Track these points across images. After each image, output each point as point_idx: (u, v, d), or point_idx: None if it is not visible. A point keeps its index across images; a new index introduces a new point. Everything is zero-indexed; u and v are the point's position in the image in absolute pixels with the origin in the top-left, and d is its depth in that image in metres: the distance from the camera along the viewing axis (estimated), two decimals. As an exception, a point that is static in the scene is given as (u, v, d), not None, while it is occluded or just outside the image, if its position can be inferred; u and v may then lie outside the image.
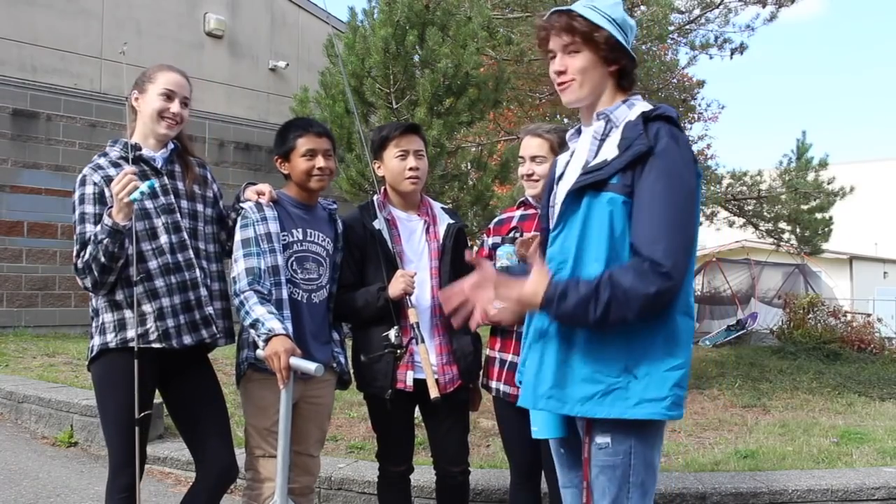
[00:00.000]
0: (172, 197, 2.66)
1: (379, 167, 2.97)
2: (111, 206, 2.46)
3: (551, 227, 2.10)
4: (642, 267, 1.83)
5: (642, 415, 1.91)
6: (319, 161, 2.78)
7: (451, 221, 3.00)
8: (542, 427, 2.19)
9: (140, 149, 2.65)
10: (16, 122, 9.52)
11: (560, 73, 2.06)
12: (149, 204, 2.59)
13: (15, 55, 9.62)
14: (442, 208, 3.09)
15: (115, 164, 2.61)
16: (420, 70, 5.86)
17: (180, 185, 2.71)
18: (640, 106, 2.04)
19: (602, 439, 1.95)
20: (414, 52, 5.79)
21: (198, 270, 2.65)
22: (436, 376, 2.82)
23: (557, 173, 2.19)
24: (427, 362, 2.75)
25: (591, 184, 1.93)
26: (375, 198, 2.98)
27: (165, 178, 2.67)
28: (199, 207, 2.75)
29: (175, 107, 2.66)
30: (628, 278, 1.83)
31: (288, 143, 2.81)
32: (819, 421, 5.81)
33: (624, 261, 1.89)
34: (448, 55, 5.57)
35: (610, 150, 1.96)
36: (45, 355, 7.17)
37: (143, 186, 2.41)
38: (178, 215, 2.65)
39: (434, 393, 2.71)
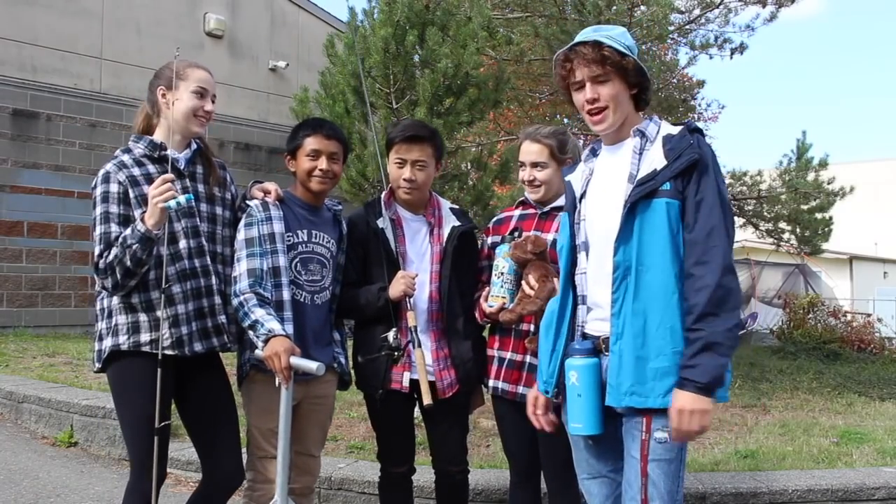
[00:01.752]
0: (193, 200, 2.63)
1: (389, 164, 2.96)
2: (144, 211, 2.42)
3: (584, 241, 2.32)
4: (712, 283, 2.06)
5: (719, 399, 2.13)
6: (322, 163, 2.77)
7: (457, 224, 2.95)
8: (586, 424, 2.25)
9: (165, 148, 2.61)
10: (16, 122, 9.52)
11: (593, 100, 2.22)
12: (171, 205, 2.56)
13: (15, 55, 9.62)
14: (451, 208, 3.02)
15: (139, 163, 2.57)
16: (420, 70, 5.85)
17: (201, 187, 2.68)
18: (666, 123, 2.26)
19: (661, 434, 2.12)
20: (414, 52, 5.78)
21: (213, 277, 2.63)
22: (432, 379, 2.82)
23: (578, 192, 2.37)
24: (422, 367, 2.74)
25: (644, 194, 2.13)
26: (382, 196, 2.95)
27: (187, 179, 2.64)
28: (219, 211, 2.72)
29: (208, 105, 2.64)
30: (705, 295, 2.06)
31: (296, 140, 2.81)
32: (819, 421, 5.81)
33: (681, 256, 2.12)
34: (448, 55, 5.56)
35: (655, 161, 2.16)
36: (45, 355, 7.17)
37: (182, 199, 2.39)
38: (198, 219, 2.63)
39: (427, 399, 2.71)
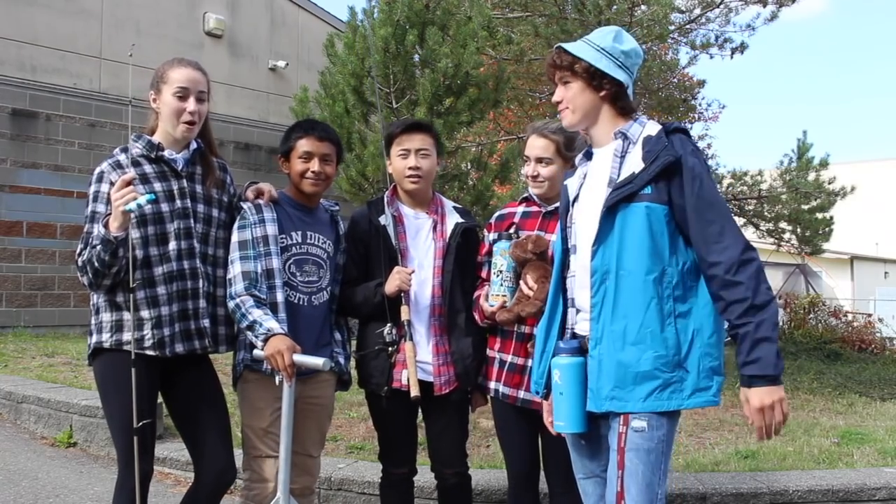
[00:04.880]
0: (189, 201, 2.62)
1: (389, 164, 2.96)
2: (109, 213, 2.42)
3: (574, 244, 2.31)
4: (737, 269, 2.05)
5: (695, 404, 2.14)
6: (314, 164, 2.76)
7: (460, 220, 2.95)
8: (568, 422, 2.26)
9: (163, 148, 2.61)
10: (15, 122, 9.51)
11: (558, 102, 2.32)
12: (164, 207, 2.55)
13: (14, 55, 9.62)
14: (454, 207, 3.03)
15: (136, 163, 2.56)
16: (420, 70, 5.85)
17: (199, 188, 2.67)
18: (651, 124, 2.23)
19: (639, 423, 2.10)
20: (414, 52, 5.78)
21: (201, 280, 2.62)
22: (430, 378, 2.82)
23: (571, 196, 2.37)
24: (412, 361, 2.74)
25: (623, 197, 2.11)
26: (385, 194, 2.95)
27: (185, 180, 2.63)
28: (215, 213, 2.71)
29: (191, 105, 2.58)
30: (740, 291, 2.04)
31: (289, 142, 2.81)
32: (820, 421, 5.80)
33: (665, 260, 2.10)
34: (448, 55, 5.56)
35: (634, 164, 2.15)
36: (44, 355, 7.16)
37: (142, 199, 2.36)
38: (192, 220, 2.62)
39: (414, 392, 2.71)
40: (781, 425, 2.09)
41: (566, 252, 2.35)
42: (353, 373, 2.97)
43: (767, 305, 2.05)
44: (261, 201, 2.74)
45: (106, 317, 2.54)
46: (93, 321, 2.59)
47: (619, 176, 2.17)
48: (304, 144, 2.77)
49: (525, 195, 3.01)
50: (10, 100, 9.48)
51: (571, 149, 2.80)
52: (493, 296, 2.80)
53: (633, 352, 2.10)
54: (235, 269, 2.64)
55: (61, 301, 9.84)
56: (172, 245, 2.56)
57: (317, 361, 2.44)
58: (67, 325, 9.63)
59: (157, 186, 2.57)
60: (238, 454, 2.76)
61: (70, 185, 9.76)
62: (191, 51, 10.68)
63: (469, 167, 6.68)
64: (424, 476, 3.32)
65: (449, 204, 3.03)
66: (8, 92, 9.46)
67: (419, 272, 2.84)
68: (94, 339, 2.56)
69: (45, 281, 9.73)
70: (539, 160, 2.84)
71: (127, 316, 2.51)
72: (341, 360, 2.88)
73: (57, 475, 4.40)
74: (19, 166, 9.54)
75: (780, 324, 12.18)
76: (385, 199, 2.92)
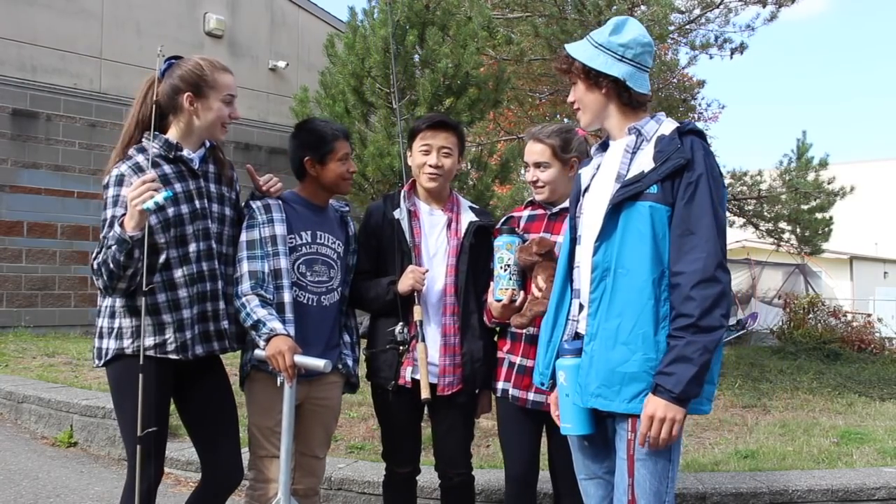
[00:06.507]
0: (206, 201, 2.59)
1: (410, 157, 2.95)
2: (125, 213, 2.36)
3: (580, 235, 2.31)
4: (700, 288, 2.04)
5: (699, 411, 2.14)
6: (352, 165, 2.85)
7: (474, 219, 2.92)
8: (574, 424, 2.26)
9: (181, 148, 2.56)
10: (15, 122, 9.51)
11: (572, 103, 2.34)
12: (184, 209, 2.51)
13: (15, 55, 9.62)
14: (470, 207, 3.00)
15: (154, 164, 2.50)
16: (420, 70, 5.85)
17: (213, 187, 2.65)
18: (668, 123, 2.22)
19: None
20: (414, 52, 5.78)
21: (220, 281, 2.60)
22: (435, 379, 2.81)
23: (583, 186, 2.37)
24: (423, 362, 2.73)
25: (629, 196, 2.11)
26: (403, 188, 2.94)
27: (201, 180, 2.60)
28: (227, 211, 2.69)
29: (235, 111, 2.62)
30: (689, 307, 2.03)
31: (327, 145, 2.79)
32: (819, 421, 5.80)
33: (665, 262, 2.09)
34: (448, 55, 5.56)
35: (644, 163, 2.14)
36: (44, 355, 7.17)
37: (159, 197, 2.30)
38: (209, 221, 2.59)
39: (425, 394, 2.71)
40: (667, 442, 2.05)
41: (574, 241, 2.35)
42: (361, 374, 2.96)
43: (710, 331, 2.02)
44: (270, 201, 2.74)
45: (126, 322, 2.48)
46: (105, 322, 2.53)
47: (627, 172, 2.17)
48: (343, 147, 2.82)
49: (530, 199, 3.00)
50: (11, 100, 9.48)
51: (568, 150, 2.82)
52: (501, 290, 2.75)
53: (623, 351, 2.09)
54: (242, 268, 2.64)
55: (62, 301, 9.85)
56: (192, 247, 2.53)
57: (318, 363, 2.43)
58: (68, 325, 9.64)
59: (178, 187, 2.52)
60: (243, 453, 2.76)
61: (70, 186, 9.77)
62: (191, 51, 10.61)
63: (469, 167, 6.68)
64: (425, 476, 3.33)
65: (465, 203, 3.01)
66: (8, 92, 9.46)
67: (431, 270, 2.83)
68: (114, 344, 2.50)
69: (46, 281, 9.74)
70: (537, 165, 2.84)
71: (148, 321, 2.46)
72: (349, 362, 2.87)
73: (57, 475, 4.40)
74: (20, 166, 9.55)
75: (781, 324, 12.20)
76: (402, 194, 2.91)
